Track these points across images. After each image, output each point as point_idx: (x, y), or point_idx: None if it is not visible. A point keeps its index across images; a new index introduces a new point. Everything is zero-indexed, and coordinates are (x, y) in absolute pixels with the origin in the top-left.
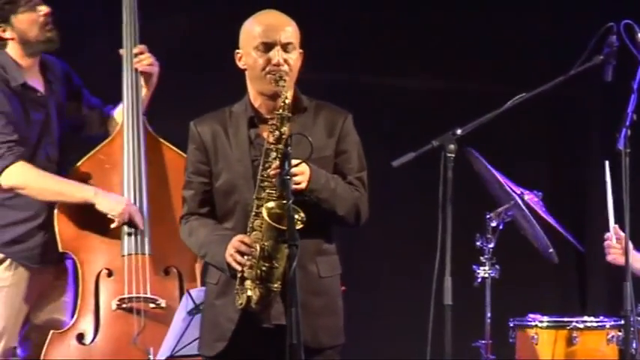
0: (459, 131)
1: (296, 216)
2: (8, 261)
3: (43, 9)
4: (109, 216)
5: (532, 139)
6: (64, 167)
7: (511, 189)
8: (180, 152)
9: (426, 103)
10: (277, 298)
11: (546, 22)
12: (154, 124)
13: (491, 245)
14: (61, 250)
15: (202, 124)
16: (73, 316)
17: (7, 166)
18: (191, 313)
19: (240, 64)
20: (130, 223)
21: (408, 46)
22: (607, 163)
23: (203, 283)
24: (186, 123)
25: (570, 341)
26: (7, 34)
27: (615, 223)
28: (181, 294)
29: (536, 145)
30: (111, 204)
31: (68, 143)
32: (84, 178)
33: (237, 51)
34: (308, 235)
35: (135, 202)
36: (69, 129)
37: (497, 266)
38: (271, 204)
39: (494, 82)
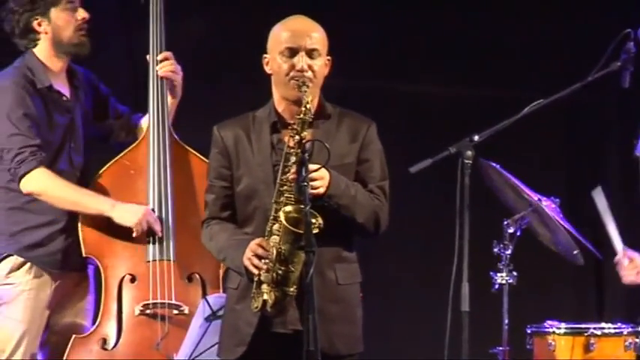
0: (476, 137)
1: (313, 221)
2: (28, 265)
3: (83, 13)
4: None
5: (549, 145)
6: (86, 174)
7: (529, 195)
8: (205, 159)
9: (443, 109)
10: (294, 303)
11: (563, 28)
12: (179, 129)
13: (509, 252)
14: (84, 254)
15: (225, 128)
16: (94, 322)
17: (28, 172)
18: (208, 319)
19: (267, 69)
20: (150, 231)
21: (426, 53)
22: (599, 189)
23: (225, 290)
24: (209, 128)
25: (588, 348)
26: (42, 28)
27: (622, 244)
28: None
29: (553, 151)
30: (126, 215)
31: (91, 151)
32: (108, 184)
33: (264, 55)
34: (327, 242)
35: (160, 209)
36: (96, 137)
37: (514, 273)
38: (289, 208)
39: (512, 89)
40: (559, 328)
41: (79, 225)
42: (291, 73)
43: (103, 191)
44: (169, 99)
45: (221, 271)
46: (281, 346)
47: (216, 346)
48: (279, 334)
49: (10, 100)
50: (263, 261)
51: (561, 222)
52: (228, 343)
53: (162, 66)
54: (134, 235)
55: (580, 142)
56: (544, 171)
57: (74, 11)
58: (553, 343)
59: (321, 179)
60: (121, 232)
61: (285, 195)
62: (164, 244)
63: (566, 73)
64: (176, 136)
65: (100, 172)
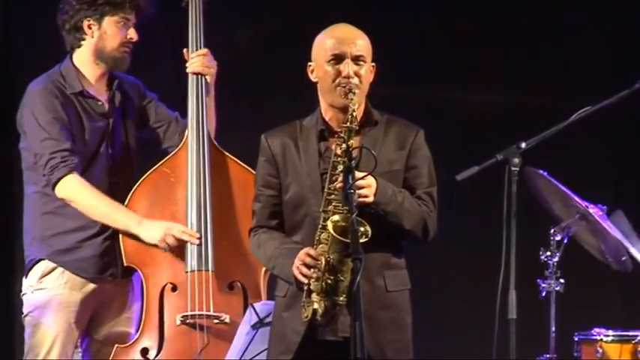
0: (523, 145)
1: (361, 229)
2: (60, 270)
3: (133, 33)
4: None
5: (596, 152)
6: (122, 182)
7: (577, 202)
8: (246, 167)
9: (490, 117)
10: (344, 310)
11: (611, 35)
12: (221, 137)
13: (556, 259)
14: (125, 264)
15: (273, 137)
16: (137, 330)
17: (60, 179)
18: (255, 326)
19: (312, 77)
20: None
21: (474, 61)
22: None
23: (268, 298)
24: (254, 136)
25: (635, 355)
26: (90, 31)
27: None
28: (245, 309)
29: (600, 158)
30: (149, 233)
31: (131, 158)
32: (148, 193)
33: (309, 64)
34: (376, 249)
35: (199, 217)
36: (148, 142)
37: (561, 280)
38: (336, 217)
39: (558, 96)
40: (607, 336)
41: (120, 234)
42: (338, 80)
43: (142, 200)
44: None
45: (262, 279)
46: (330, 354)
47: (263, 353)
48: (329, 342)
49: (39, 106)
50: (312, 270)
51: (609, 229)
52: (274, 350)
53: (191, 62)
54: (163, 251)
55: (627, 149)
56: (591, 178)
57: (126, 27)
58: (600, 350)
59: (368, 187)
60: None
61: (333, 204)
62: (202, 254)
63: (613, 81)
64: (216, 143)
65: (141, 180)
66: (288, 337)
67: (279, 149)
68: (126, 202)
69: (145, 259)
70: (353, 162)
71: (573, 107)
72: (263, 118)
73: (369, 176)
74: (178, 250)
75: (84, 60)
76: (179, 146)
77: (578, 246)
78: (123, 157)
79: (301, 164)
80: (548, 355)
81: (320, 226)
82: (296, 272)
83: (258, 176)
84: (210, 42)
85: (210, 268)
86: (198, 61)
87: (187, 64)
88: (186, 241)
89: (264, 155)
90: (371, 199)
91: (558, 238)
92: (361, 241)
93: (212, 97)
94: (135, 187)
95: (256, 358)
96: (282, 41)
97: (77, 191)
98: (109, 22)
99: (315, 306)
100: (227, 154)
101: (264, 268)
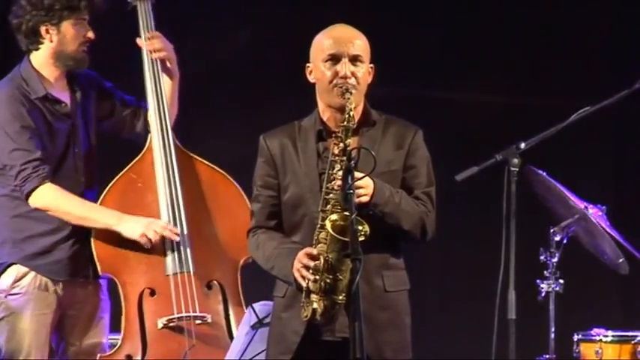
0: (522, 145)
1: (360, 228)
2: (33, 274)
3: (91, 33)
4: None
5: (596, 153)
6: (93, 178)
7: (576, 203)
8: (213, 165)
9: (490, 117)
10: (342, 310)
11: (611, 35)
12: (221, 136)
13: (555, 259)
14: (100, 273)
15: (271, 137)
16: (112, 333)
17: (33, 189)
18: (254, 327)
19: (310, 78)
20: (164, 241)
21: (473, 62)
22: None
23: (245, 295)
24: (254, 136)
25: (635, 356)
26: (48, 36)
27: None
28: (225, 307)
29: (600, 159)
30: (130, 228)
31: (97, 153)
32: (117, 200)
33: (307, 64)
34: (374, 249)
35: (174, 219)
36: (109, 133)
37: (560, 280)
38: (335, 216)
39: (558, 96)
40: (606, 336)
41: (92, 242)
42: (335, 80)
43: (112, 207)
44: (167, 82)
45: (238, 276)
46: (329, 354)
47: (263, 353)
48: (327, 342)
49: (6, 115)
50: (311, 270)
51: (607, 229)
52: (274, 351)
53: (150, 44)
54: (145, 247)
55: (628, 149)
56: (591, 178)
57: (84, 28)
58: (600, 350)
59: (365, 187)
60: (135, 246)
61: (332, 203)
62: (182, 255)
63: (613, 81)
64: (179, 144)
65: (108, 188)
66: (287, 338)
67: (277, 150)
68: None
69: (120, 266)
70: (352, 162)
71: (573, 107)
72: (262, 118)
73: (367, 177)
74: (155, 252)
75: (43, 62)
76: (144, 149)
77: (577, 246)
78: (88, 154)
79: (300, 165)
80: (547, 356)
81: (318, 226)
82: (295, 273)
83: (257, 177)
84: (210, 42)
85: (191, 270)
86: (155, 42)
87: (147, 44)
88: (167, 237)
89: (263, 156)
90: (367, 198)
91: (558, 238)
92: (360, 239)
93: (176, 81)
94: (102, 195)
95: (256, 358)
96: (281, 41)
97: (52, 200)
98: (67, 25)
99: (315, 305)
100: (192, 154)
101: (239, 266)
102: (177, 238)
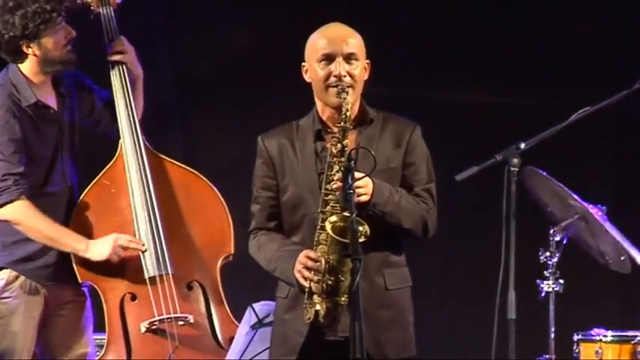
0: (522, 145)
1: (360, 228)
2: (22, 278)
3: (70, 32)
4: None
5: (596, 153)
6: (77, 181)
7: (577, 202)
8: (184, 166)
9: (490, 117)
10: (345, 310)
11: (610, 35)
12: (221, 136)
13: (555, 259)
14: (80, 281)
15: (269, 138)
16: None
17: (9, 202)
18: (254, 327)
19: (306, 78)
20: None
21: (473, 62)
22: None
23: (225, 292)
24: (252, 137)
25: (634, 356)
26: (30, 50)
27: None
28: (207, 307)
29: (600, 159)
30: (98, 252)
31: (79, 157)
32: (91, 207)
33: (303, 64)
34: (374, 248)
35: (150, 222)
36: (91, 130)
37: (560, 280)
38: (334, 217)
39: (558, 96)
40: (606, 336)
41: (71, 253)
42: (329, 80)
43: (87, 215)
44: (133, 85)
45: (218, 275)
46: (332, 353)
47: (263, 353)
48: (330, 342)
49: None
50: (312, 272)
51: (609, 229)
52: (277, 352)
53: (113, 51)
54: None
55: (627, 149)
56: (591, 178)
57: (63, 30)
58: (600, 351)
59: (364, 186)
60: None
61: (331, 204)
62: (160, 258)
63: (613, 81)
64: (150, 146)
65: (82, 196)
66: (291, 339)
67: (275, 150)
68: (71, 219)
69: (99, 274)
70: (352, 162)
71: (573, 107)
72: (262, 119)
73: (366, 177)
74: (133, 257)
75: (30, 70)
76: (115, 156)
77: (577, 246)
78: (74, 157)
79: (298, 164)
80: (547, 356)
81: (319, 227)
82: (297, 275)
83: (256, 178)
84: (209, 42)
85: (169, 272)
86: (117, 47)
87: (109, 57)
88: (135, 249)
89: (261, 157)
90: (366, 198)
91: (558, 238)
92: (360, 240)
93: (139, 81)
94: (77, 202)
95: (256, 358)
96: (280, 42)
97: (24, 216)
98: (46, 38)
99: (318, 307)
100: (162, 156)
101: (218, 265)
102: (144, 249)
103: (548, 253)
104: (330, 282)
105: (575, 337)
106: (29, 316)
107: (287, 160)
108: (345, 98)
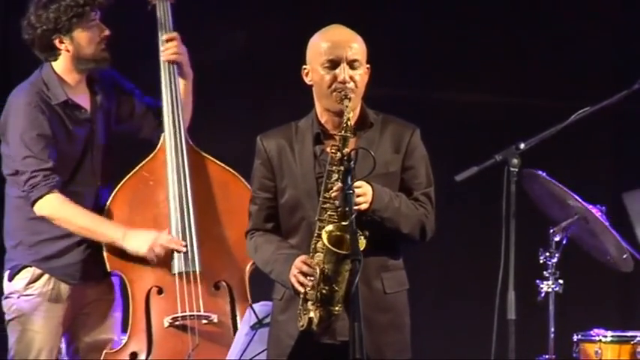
0: (522, 145)
1: (359, 234)
2: (47, 276)
3: (105, 30)
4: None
5: (595, 153)
6: (108, 180)
7: (577, 201)
8: (224, 165)
9: (489, 117)
10: (343, 314)
11: (611, 36)
12: (220, 137)
13: (555, 260)
14: (109, 269)
15: (268, 138)
16: (123, 333)
17: (40, 197)
18: (254, 327)
19: (307, 80)
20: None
21: (472, 62)
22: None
23: (252, 295)
24: (253, 137)
25: (634, 356)
26: (63, 46)
27: None
28: (232, 308)
29: (600, 159)
30: (136, 244)
31: (114, 155)
32: (128, 198)
33: (304, 67)
34: (373, 252)
35: (182, 219)
36: (127, 134)
37: (560, 281)
38: (330, 227)
39: (558, 96)
40: (605, 337)
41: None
42: (334, 85)
43: (123, 205)
44: (181, 83)
45: (247, 277)
46: (328, 357)
47: (263, 353)
48: (327, 345)
49: (24, 122)
50: (308, 278)
51: (609, 228)
52: (271, 354)
53: (166, 48)
54: (151, 262)
55: (627, 149)
56: (591, 178)
57: (97, 27)
58: (599, 351)
59: (364, 195)
60: None
61: (328, 212)
62: (189, 255)
63: (613, 81)
64: (192, 143)
65: (119, 185)
66: (283, 341)
67: (274, 152)
68: (106, 207)
69: (128, 264)
70: (351, 163)
71: (573, 107)
72: (261, 119)
73: (366, 184)
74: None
75: (64, 68)
76: (156, 148)
77: (577, 247)
78: (105, 159)
79: (297, 167)
80: (547, 356)
81: (315, 234)
82: (293, 280)
83: (255, 179)
84: (209, 42)
85: (197, 269)
86: (172, 47)
87: (161, 52)
88: (174, 250)
89: (260, 158)
90: (366, 206)
91: (557, 238)
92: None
93: (189, 82)
94: (114, 192)
95: (256, 358)
96: (280, 42)
97: (58, 209)
98: (78, 32)
99: (311, 315)
100: (204, 153)
101: (248, 267)
102: (185, 249)
103: (547, 254)
104: (324, 291)
105: (575, 338)
106: (51, 316)
107: (285, 162)
108: (347, 106)
